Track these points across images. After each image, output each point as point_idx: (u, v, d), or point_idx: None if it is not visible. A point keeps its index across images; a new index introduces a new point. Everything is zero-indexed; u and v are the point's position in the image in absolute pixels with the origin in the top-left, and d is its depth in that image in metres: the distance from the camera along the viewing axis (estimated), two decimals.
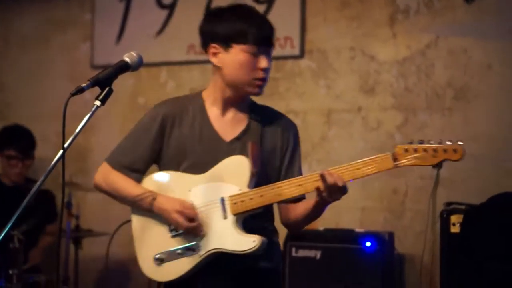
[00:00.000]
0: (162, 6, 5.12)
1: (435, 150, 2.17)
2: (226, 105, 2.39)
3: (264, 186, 2.26)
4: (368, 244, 3.98)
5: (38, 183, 1.98)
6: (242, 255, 2.23)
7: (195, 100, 2.42)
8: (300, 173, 2.43)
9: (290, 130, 2.45)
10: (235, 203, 2.25)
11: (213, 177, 2.30)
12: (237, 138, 2.36)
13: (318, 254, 4.04)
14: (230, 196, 2.26)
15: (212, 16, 2.41)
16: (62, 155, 1.99)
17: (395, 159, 2.18)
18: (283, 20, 4.62)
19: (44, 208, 4.57)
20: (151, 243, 2.34)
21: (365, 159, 2.22)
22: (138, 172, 2.40)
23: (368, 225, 4.42)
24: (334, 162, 4.53)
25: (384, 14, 4.55)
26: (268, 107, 2.49)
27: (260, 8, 4.79)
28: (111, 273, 5.22)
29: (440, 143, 2.17)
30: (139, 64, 2.15)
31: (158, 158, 2.41)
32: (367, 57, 4.59)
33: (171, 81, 5.12)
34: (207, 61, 4.96)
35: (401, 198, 4.46)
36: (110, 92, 2.06)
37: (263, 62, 2.31)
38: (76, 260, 4.47)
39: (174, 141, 2.36)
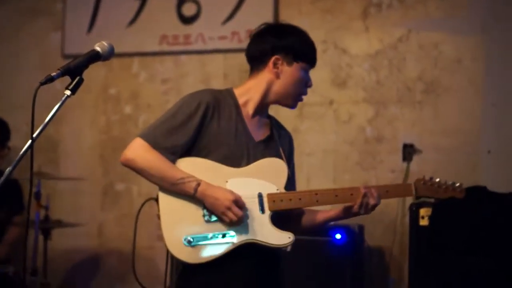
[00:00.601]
0: None
1: (446, 188, 2.65)
2: (257, 109, 2.55)
3: (303, 191, 2.50)
4: (338, 236, 4.00)
5: (6, 173, 1.95)
6: (274, 248, 2.42)
7: (230, 96, 2.54)
8: (295, 180, 2.67)
9: (291, 140, 2.69)
10: (273, 201, 2.42)
11: (251, 173, 2.45)
12: (264, 141, 2.53)
13: (288, 246, 4.05)
14: (269, 194, 2.42)
15: (280, 30, 2.59)
16: (31, 145, 1.97)
17: (415, 189, 2.62)
18: (256, 12, 4.62)
19: (11, 199, 4.52)
20: (182, 224, 2.40)
21: (392, 184, 2.73)
22: (175, 155, 2.43)
23: None
24: (306, 155, 4.61)
25: (357, 7, 4.57)
26: (274, 117, 2.69)
27: (234, 0, 4.78)
28: (80, 265, 5.20)
29: (446, 182, 2.65)
30: (110, 53, 2.13)
31: (191, 145, 2.48)
32: (339, 50, 4.61)
33: (143, 72, 5.09)
34: (180, 52, 5.02)
35: None
36: (80, 81, 2.04)
37: (311, 82, 2.59)
38: (45, 251, 4.43)
39: (212, 130, 2.45)
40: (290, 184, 2.56)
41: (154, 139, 2.41)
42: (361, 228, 4.20)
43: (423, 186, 2.59)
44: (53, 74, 1.98)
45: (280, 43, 2.52)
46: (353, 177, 4.50)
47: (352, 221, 4.33)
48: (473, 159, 4.28)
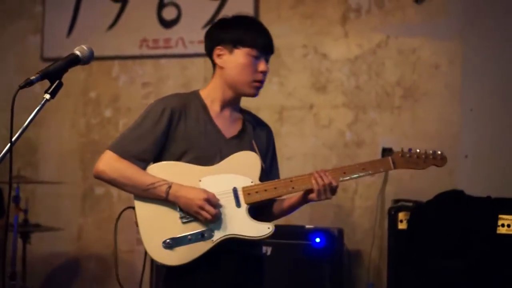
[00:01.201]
0: None
1: (425, 157, 2.55)
2: (224, 105, 2.55)
3: (277, 180, 2.49)
4: (317, 240, 4.02)
5: None
6: (255, 241, 2.41)
7: (196, 97, 2.56)
8: (278, 171, 2.65)
9: (269, 132, 2.68)
10: (249, 194, 2.42)
11: (223, 169, 2.45)
12: (236, 136, 2.53)
13: (268, 250, 4.07)
14: (244, 187, 2.43)
15: (221, 23, 2.59)
16: (10, 149, 1.96)
17: (393, 163, 2.50)
18: None
19: None
20: (160, 228, 2.42)
21: (369, 161, 2.51)
22: (145, 162, 2.47)
23: (317, 221, 4.47)
24: (286, 158, 4.63)
25: (337, 13, 4.61)
26: (249, 110, 2.68)
27: (213, 4, 4.80)
28: (59, 269, 5.17)
29: (426, 151, 2.55)
30: (90, 57, 2.13)
31: (161, 150, 2.50)
32: (319, 55, 4.64)
33: (123, 75, 5.08)
34: (160, 56, 5.03)
35: (351, 195, 4.52)
36: (59, 85, 2.04)
37: (262, 66, 2.49)
38: (24, 255, 4.41)
39: (180, 134, 2.48)
40: (273, 176, 2.56)
41: (122, 149, 2.46)
42: (340, 231, 4.23)
43: (401, 159, 2.50)
44: (32, 77, 1.98)
45: (221, 35, 2.53)
46: None
47: (331, 225, 4.38)
48: (450, 164, 4.26)
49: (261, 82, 2.51)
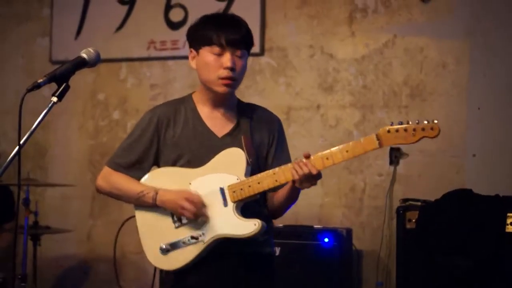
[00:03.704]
0: (122, 1, 5.10)
1: (414, 129, 2.32)
2: (215, 104, 2.55)
3: (261, 173, 2.42)
4: (326, 240, 4.03)
5: None
6: (245, 239, 2.38)
7: (187, 101, 2.58)
8: (289, 160, 2.60)
9: (274, 123, 2.64)
10: (234, 191, 2.41)
11: (211, 169, 2.46)
12: (229, 134, 2.52)
13: (277, 250, 4.07)
14: (229, 185, 2.42)
15: (192, 25, 2.58)
16: (18, 151, 1.98)
17: (379, 140, 2.33)
18: (243, 18, 4.63)
19: (1, 206, 4.51)
20: (156, 235, 2.47)
21: (353, 142, 2.37)
22: (139, 171, 2.53)
23: (326, 221, 4.47)
24: (294, 159, 4.60)
25: (343, 12, 4.61)
26: (253, 104, 2.67)
27: (220, 5, 4.80)
28: (69, 270, 5.19)
29: (418, 123, 2.32)
30: (96, 60, 2.15)
31: (156, 159, 2.55)
32: (326, 55, 4.64)
33: (131, 77, 5.10)
34: (168, 58, 5.05)
35: (359, 195, 4.52)
36: (67, 88, 2.06)
37: (226, 61, 2.44)
38: (35, 257, 4.43)
39: (170, 140, 2.51)
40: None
41: (114, 162, 2.55)
42: (349, 231, 4.24)
43: (387, 135, 2.31)
44: (40, 81, 2.00)
45: (190, 37, 2.55)
46: (341, 181, 4.53)
47: (340, 225, 4.38)
48: (458, 162, 4.31)
49: (229, 78, 2.46)
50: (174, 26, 4.97)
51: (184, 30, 4.95)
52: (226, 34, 2.46)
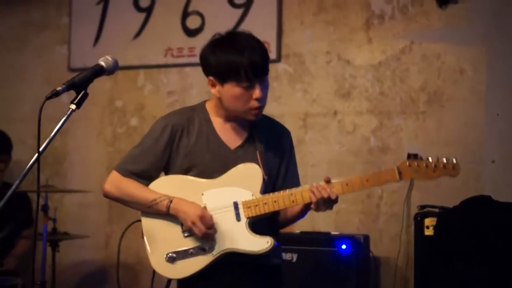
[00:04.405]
0: (139, 9, 5.13)
1: (435, 166, 2.37)
2: (229, 118, 2.55)
3: (278, 192, 2.45)
4: (343, 247, 4.01)
5: (13, 187, 1.98)
6: (255, 255, 2.41)
7: (200, 111, 2.57)
8: (297, 177, 2.63)
9: (286, 137, 2.65)
10: (249, 207, 2.43)
11: (225, 182, 2.47)
12: (241, 146, 2.53)
13: (294, 257, 4.07)
14: (244, 201, 2.44)
15: (209, 46, 2.51)
16: (37, 159, 2.00)
17: (399, 173, 2.38)
18: (259, 25, 4.66)
19: (20, 213, 4.55)
20: (163, 242, 2.47)
21: (373, 172, 2.42)
22: (147, 179, 2.53)
23: (343, 228, 4.46)
24: (311, 165, 4.63)
25: (360, 19, 4.60)
26: (264, 115, 2.62)
27: (237, 12, 4.82)
28: (87, 277, 5.22)
29: (437, 160, 2.36)
30: (114, 68, 2.17)
31: (166, 167, 2.55)
32: (343, 61, 4.64)
33: (148, 84, 5.13)
34: (185, 64, 5.07)
35: (376, 201, 4.50)
36: (85, 96, 2.08)
37: (257, 93, 2.43)
38: (53, 263, 4.46)
39: (183, 149, 2.51)
40: (289, 182, 2.54)
41: (125, 168, 2.54)
42: (366, 238, 4.22)
43: (408, 168, 2.35)
44: (58, 88, 2.02)
45: (209, 64, 2.47)
46: None
47: (357, 232, 4.36)
48: (477, 169, 4.28)
49: (259, 108, 2.46)
50: (191, 33, 5.00)
51: (201, 37, 5.04)
52: (252, 66, 2.40)
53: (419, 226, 3.83)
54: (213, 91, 2.50)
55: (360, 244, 4.09)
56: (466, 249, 3.63)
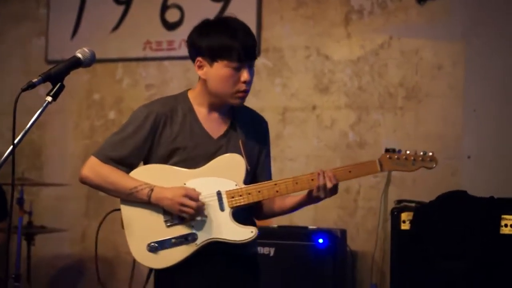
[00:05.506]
0: (118, 1, 5.10)
1: (414, 159, 2.49)
2: (212, 107, 2.53)
3: (262, 183, 2.48)
4: (320, 241, 4.03)
5: None
6: (239, 244, 2.42)
7: (182, 100, 2.55)
8: (270, 166, 2.66)
9: (265, 128, 2.66)
10: (232, 197, 2.43)
11: (208, 171, 2.46)
12: (223, 135, 2.52)
13: (271, 251, 4.08)
14: (228, 191, 2.43)
15: (199, 29, 2.50)
16: (12, 151, 1.98)
17: (380, 165, 2.48)
18: (239, 18, 4.64)
19: None
20: (144, 232, 2.45)
21: (355, 163, 2.50)
22: (127, 167, 2.49)
23: (321, 222, 4.47)
24: (289, 160, 4.64)
25: (339, 14, 4.61)
26: (244, 105, 2.61)
27: (217, 6, 4.81)
28: (64, 270, 5.19)
29: (416, 153, 2.48)
30: (91, 60, 2.15)
31: (147, 156, 2.52)
32: (322, 56, 4.65)
33: (127, 77, 5.10)
34: (163, 58, 5.06)
35: (354, 196, 4.53)
36: (61, 88, 2.05)
37: (245, 76, 2.43)
38: (29, 257, 4.42)
39: (166, 139, 2.48)
40: (263, 173, 2.57)
41: (104, 154, 2.50)
42: (343, 232, 4.24)
43: (389, 161, 2.47)
44: (34, 80, 2.00)
45: (199, 44, 2.46)
46: None
47: (334, 226, 4.38)
48: (454, 164, 4.32)
49: (245, 91, 2.46)
50: (170, 26, 4.98)
51: (180, 30, 5.03)
52: (243, 47, 2.41)
53: (395, 220, 3.85)
54: (200, 72, 2.47)
55: (337, 238, 4.12)
56: (442, 244, 3.66)
